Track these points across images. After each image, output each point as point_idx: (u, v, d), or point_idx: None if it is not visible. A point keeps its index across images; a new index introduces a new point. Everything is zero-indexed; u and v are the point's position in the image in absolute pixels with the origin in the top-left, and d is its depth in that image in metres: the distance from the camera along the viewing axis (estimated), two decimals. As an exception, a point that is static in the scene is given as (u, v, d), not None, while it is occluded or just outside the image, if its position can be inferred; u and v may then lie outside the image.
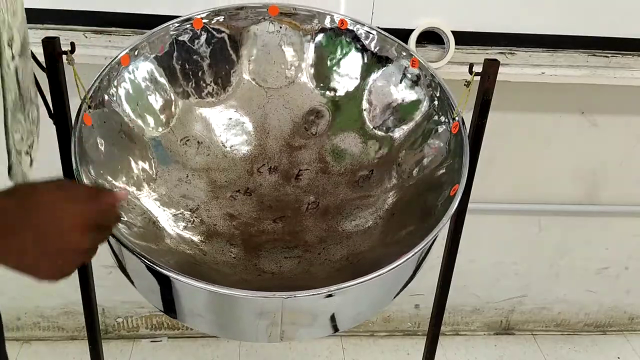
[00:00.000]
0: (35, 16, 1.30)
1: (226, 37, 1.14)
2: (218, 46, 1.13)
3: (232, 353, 1.84)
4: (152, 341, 1.88)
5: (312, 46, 1.16)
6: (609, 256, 1.89)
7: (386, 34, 1.14)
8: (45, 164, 1.33)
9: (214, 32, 1.12)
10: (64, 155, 1.10)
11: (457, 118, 1.03)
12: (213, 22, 1.12)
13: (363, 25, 1.15)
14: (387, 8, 1.34)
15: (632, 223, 1.84)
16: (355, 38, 1.16)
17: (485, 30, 1.40)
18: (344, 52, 1.16)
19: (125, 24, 1.32)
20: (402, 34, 1.15)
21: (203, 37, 1.12)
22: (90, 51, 1.30)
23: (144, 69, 1.07)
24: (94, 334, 1.32)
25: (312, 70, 1.18)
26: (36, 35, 1.27)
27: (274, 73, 1.17)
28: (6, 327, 0.90)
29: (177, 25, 1.09)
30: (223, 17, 1.12)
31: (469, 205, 1.21)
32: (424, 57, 1.12)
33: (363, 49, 1.16)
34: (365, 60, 1.16)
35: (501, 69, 1.09)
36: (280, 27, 1.15)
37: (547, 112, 1.62)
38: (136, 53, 1.05)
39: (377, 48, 1.15)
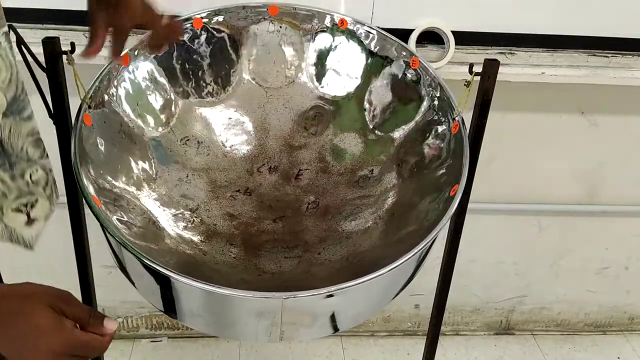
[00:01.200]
0: (35, 16, 1.30)
1: (226, 37, 1.14)
2: (218, 46, 1.13)
3: (232, 353, 1.84)
4: (152, 341, 1.88)
5: (312, 46, 1.16)
6: (609, 256, 1.89)
7: (386, 33, 1.14)
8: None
9: (214, 32, 1.12)
10: (64, 155, 1.10)
11: (457, 118, 1.03)
12: (213, 21, 1.12)
13: (363, 25, 1.15)
14: (387, 8, 1.34)
15: (632, 223, 1.84)
16: (356, 38, 1.16)
17: (485, 30, 1.40)
18: (344, 51, 1.16)
19: (125, 24, 1.32)
20: (402, 34, 1.15)
21: (203, 37, 1.12)
22: (90, 51, 1.30)
23: (143, 68, 1.07)
24: (94, 334, 1.32)
25: (312, 70, 1.17)
26: (36, 35, 1.27)
27: (274, 73, 1.17)
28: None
29: None
30: (223, 16, 1.12)
31: (469, 205, 1.21)
32: (424, 57, 1.12)
33: (363, 49, 1.16)
34: (366, 60, 1.16)
35: (501, 69, 1.09)
36: (280, 27, 1.16)
37: (547, 112, 1.62)
38: (136, 53, 1.05)
39: (377, 48, 1.15)
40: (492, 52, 1.42)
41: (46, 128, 1.08)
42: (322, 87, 1.18)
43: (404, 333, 1.98)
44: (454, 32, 1.37)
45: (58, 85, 1.06)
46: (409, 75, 1.12)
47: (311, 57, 1.17)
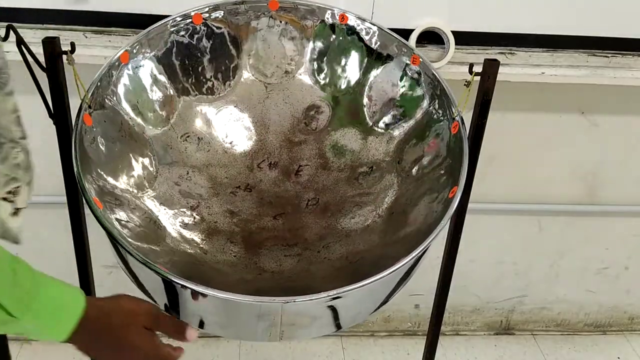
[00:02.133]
0: (35, 16, 1.30)
1: (226, 33, 1.13)
2: (218, 41, 1.13)
3: (232, 353, 1.84)
4: (152, 341, 1.88)
5: (312, 41, 1.16)
6: (609, 256, 1.89)
7: (387, 30, 1.14)
8: (45, 164, 1.34)
9: (214, 28, 1.12)
10: (64, 155, 1.10)
11: (457, 118, 1.02)
12: (212, 17, 1.11)
13: (364, 21, 1.15)
14: (387, 8, 1.34)
15: (632, 223, 1.84)
16: (356, 34, 1.15)
17: (485, 30, 1.40)
18: (345, 47, 1.16)
19: (125, 24, 1.32)
20: (402, 34, 1.15)
21: (203, 33, 1.11)
22: (90, 51, 1.30)
23: (143, 66, 1.07)
24: (94, 334, 1.32)
25: (312, 66, 1.17)
26: (36, 35, 1.27)
27: (274, 68, 1.17)
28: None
29: (177, 20, 1.09)
30: (223, 12, 1.12)
31: (469, 205, 1.21)
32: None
33: (364, 45, 1.16)
34: (366, 56, 1.16)
35: (501, 69, 1.09)
36: (281, 22, 1.15)
37: (547, 112, 1.62)
38: (135, 51, 1.05)
39: (378, 44, 1.15)
40: (492, 52, 1.42)
41: (46, 128, 1.08)
42: (322, 82, 1.17)
43: (404, 333, 1.98)
44: (454, 32, 1.37)
45: (58, 85, 1.06)
46: (409, 73, 1.12)
47: (311, 52, 1.17)
